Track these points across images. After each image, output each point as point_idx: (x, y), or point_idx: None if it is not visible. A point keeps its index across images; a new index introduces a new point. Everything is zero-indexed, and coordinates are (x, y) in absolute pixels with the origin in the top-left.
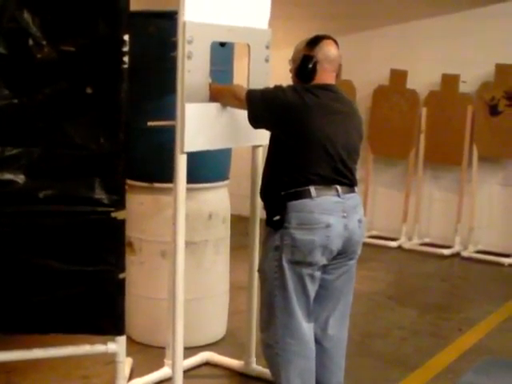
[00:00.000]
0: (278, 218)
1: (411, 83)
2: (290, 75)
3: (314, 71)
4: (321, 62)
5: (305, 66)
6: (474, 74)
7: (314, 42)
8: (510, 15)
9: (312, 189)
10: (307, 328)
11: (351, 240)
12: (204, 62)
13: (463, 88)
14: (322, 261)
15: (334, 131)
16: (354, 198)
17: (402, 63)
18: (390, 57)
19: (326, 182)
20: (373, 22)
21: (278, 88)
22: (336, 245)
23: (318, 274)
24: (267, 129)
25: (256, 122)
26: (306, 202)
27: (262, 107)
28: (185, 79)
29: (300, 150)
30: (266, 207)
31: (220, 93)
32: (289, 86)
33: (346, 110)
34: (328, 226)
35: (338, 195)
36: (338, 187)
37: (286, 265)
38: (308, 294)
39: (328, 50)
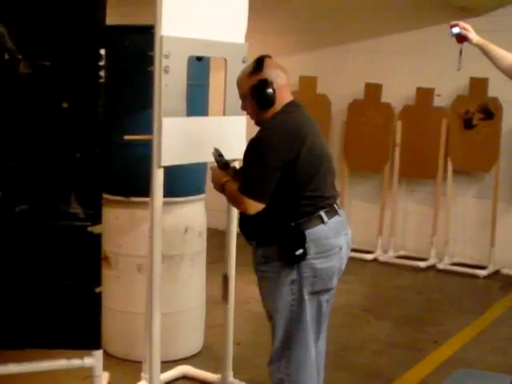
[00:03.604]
0: (301, 251)
1: (386, 97)
2: (246, 113)
3: (273, 93)
4: (275, 79)
5: (263, 92)
6: (448, 87)
7: (258, 64)
8: (484, 30)
9: (322, 213)
10: (314, 355)
11: (348, 255)
12: (181, 77)
13: (438, 102)
14: (336, 283)
15: (323, 148)
16: (343, 212)
17: (377, 77)
18: (364, 71)
19: (329, 202)
20: (348, 37)
21: (262, 147)
22: (344, 264)
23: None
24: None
25: (265, 191)
26: (320, 228)
27: (265, 171)
28: (162, 93)
29: (309, 173)
30: (278, 242)
31: (228, 192)
32: (265, 134)
33: (314, 125)
34: (340, 248)
35: (338, 213)
36: (335, 205)
37: (306, 297)
38: (321, 320)
39: (275, 66)
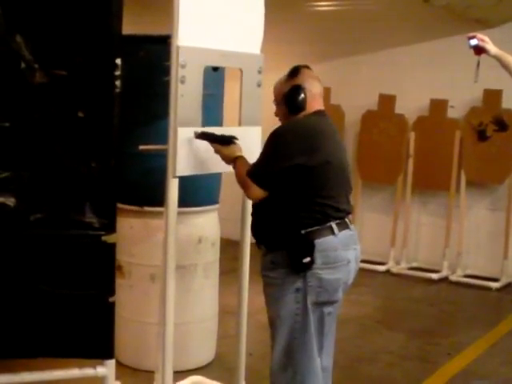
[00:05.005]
0: (308, 259)
1: (400, 108)
2: (278, 119)
3: (305, 99)
4: (308, 88)
5: (295, 96)
6: (462, 99)
7: (295, 71)
8: (497, 41)
9: (333, 225)
10: (319, 364)
11: (356, 270)
12: (197, 87)
13: (451, 113)
14: (341, 297)
15: (341, 160)
16: (354, 227)
17: (391, 88)
18: (378, 82)
19: (342, 215)
20: (362, 47)
21: (277, 140)
22: (351, 279)
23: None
24: (286, 169)
25: (268, 181)
26: (329, 239)
27: (273, 163)
28: (178, 103)
29: (323, 179)
30: (286, 249)
31: (236, 172)
32: (284, 130)
33: (338, 135)
34: (348, 261)
35: (350, 228)
36: (347, 219)
37: (310, 307)
38: (324, 331)
39: (310, 75)
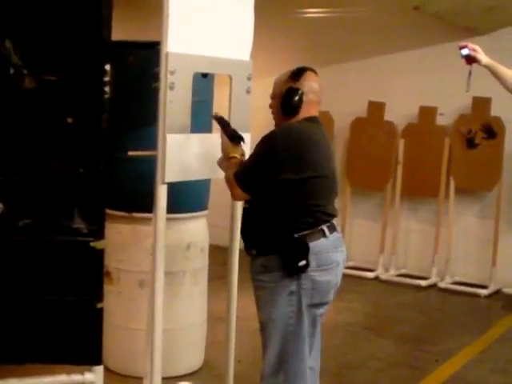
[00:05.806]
0: (303, 262)
1: (389, 115)
2: (271, 111)
3: (300, 103)
4: (306, 93)
5: (291, 99)
6: (451, 106)
7: (298, 73)
8: (486, 49)
9: (325, 228)
10: (307, 366)
11: (342, 272)
12: (186, 93)
13: (440, 120)
14: (332, 298)
15: (331, 170)
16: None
17: (380, 95)
18: (368, 89)
19: (330, 218)
20: (351, 54)
21: (268, 146)
22: (340, 280)
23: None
24: (273, 181)
25: (253, 185)
26: (322, 242)
27: (259, 168)
28: (166, 110)
29: (313, 190)
30: (280, 252)
31: (227, 170)
32: (278, 135)
33: (328, 142)
34: (338, 263)
35: (337, 230)
36: (334, 222)
37: (304, 309)
38: (316, 334)
39: (312, 80)
